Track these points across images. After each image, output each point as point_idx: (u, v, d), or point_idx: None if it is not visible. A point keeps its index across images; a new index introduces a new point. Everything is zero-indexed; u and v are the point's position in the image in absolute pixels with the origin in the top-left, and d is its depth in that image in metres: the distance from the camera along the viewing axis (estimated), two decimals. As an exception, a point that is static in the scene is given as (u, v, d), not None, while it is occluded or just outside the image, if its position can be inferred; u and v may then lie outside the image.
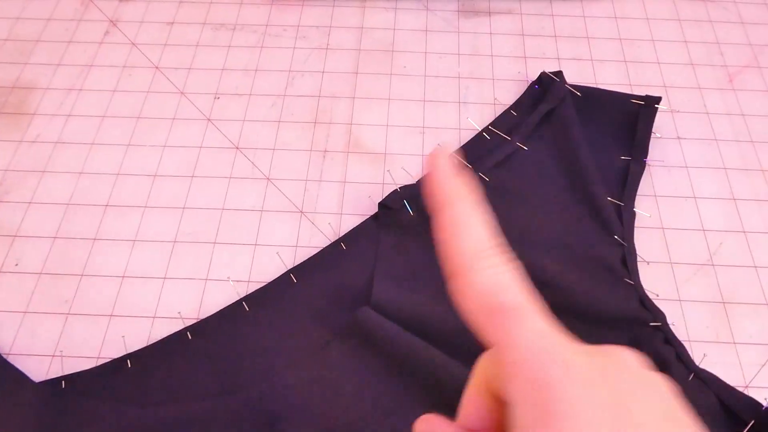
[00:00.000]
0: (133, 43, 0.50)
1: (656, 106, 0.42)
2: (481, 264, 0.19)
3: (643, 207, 0.40)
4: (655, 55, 0.48)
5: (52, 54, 0.49)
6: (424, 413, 0.32)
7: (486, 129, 0.43)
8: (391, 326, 0.34)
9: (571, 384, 0.16)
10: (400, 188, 0.39)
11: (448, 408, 0.32)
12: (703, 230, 0.40)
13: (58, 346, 0.36)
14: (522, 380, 0.16)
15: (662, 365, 0.33)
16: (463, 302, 0.19)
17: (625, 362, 0.17)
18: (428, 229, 0.36)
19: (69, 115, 0.45)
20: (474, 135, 0.43)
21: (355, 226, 0.39)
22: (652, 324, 0.34)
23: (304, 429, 0.33)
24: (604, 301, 0.35)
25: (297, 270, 0.38)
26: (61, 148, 0.44)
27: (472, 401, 0.20)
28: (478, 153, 0.42)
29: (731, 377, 0.34)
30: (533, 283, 0.35)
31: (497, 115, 0.44)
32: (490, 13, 0.51)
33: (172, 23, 0.51)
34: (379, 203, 0.39)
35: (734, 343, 0.36)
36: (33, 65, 0.48)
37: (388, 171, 0.42)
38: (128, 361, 0.35)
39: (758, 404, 0.32)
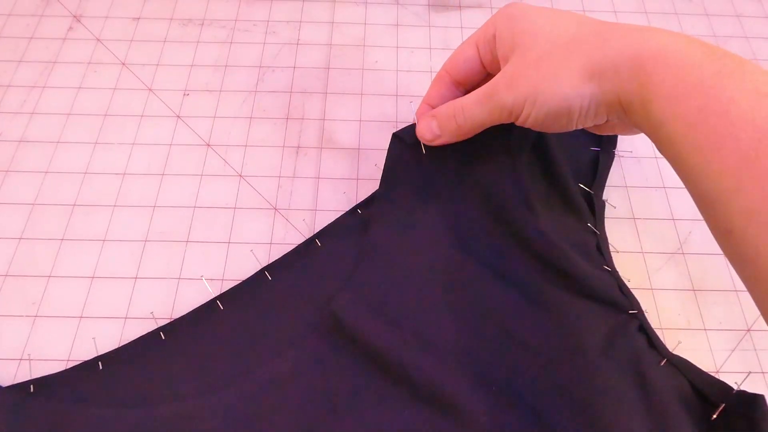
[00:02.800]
0: (98, 39, 0.48)
1: (625, 98, 0.42)
2: None
3: (614, 197, 0.41)
4: (623, 48, 0.49)
5: (13, 50, 0.48)
6: (397, 405, 0.32)
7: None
8: (366, 322, 0.34)
9: (522, 7, 0.32)
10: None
11: (419, 400, 0.32)
12: (673, 219, 0.40)
13: (26, 349, 0.35)
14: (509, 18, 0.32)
15: (637, 352, 0.34)
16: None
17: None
18: (434, 183, 0.37)
19: (32, 113, 0.44)
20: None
21: (330, 222, 0.39)
22: (630, 312, 0.35)
23: (282, 427, 0.32)
24: (591, 282, 0.35)
25: (271, 267, 0.37)
26: (25, 146, 0.43)
27: (437, 85, 0.36)
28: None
29: (703, 363, 0.34)
30: (531, 253, 0.34)
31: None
32: (460, 7, 0.51)
33: (139, 18, 0.50)
34: (394, 133, 0.38)
35: (705, 329, 0.36)
36: (-7, 62, 0.47)
37: (376, 165, 0.42)
38: (99, 363, 0.34)
39: (729, 388, 0.32)
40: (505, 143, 0.37)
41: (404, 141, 0.37)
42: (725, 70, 0.24)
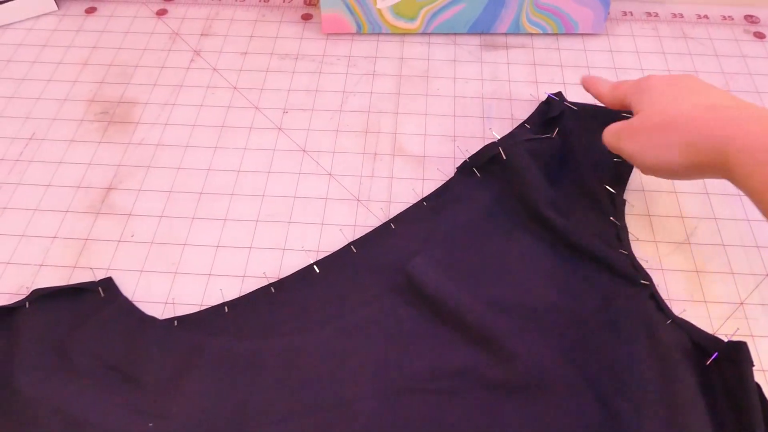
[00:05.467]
0: (214, 69, 0.61)
1: (643, 119, 0.52)
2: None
3: (633, 198, 0.50)
4: (644, 81, 0.58)
5: (149, 76, 0.60)
6: (455, 346, 0.41)
7: (505, 137, 0.53)
8: (433, 280, 0.44)
9: (653, 81, 0.42)
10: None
11: (473, 343, 0.41)
12: (682, 217, 0.49)
13: (169, 295, 0.45)
14: (639, 89, 0.43)
15: (647, 313, 0.42)
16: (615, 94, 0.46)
17: (685, 76, 0.42)
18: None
19: (166, 124, 0.56)
20: (489, 143, 0.53)
21: (401, 211, 0.49)
22: (642, 282, 0.44)
23: (365, 361, 0.42)
24: (610, 260, 0.44)
25: (356, 242, 0.47)
26: (162, 149, 0.54)
27: (610, 94, 0.47)
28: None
29: (702, 326, 0.43)
30: (560, 241, 0.44)
31: (514, 127, 0.54)
32: (507, 47, 0.62)
33: (246, 53, 0.62)
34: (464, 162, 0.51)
35: (705, 302, 0.45)
36: (134, 85, 0.59)
37: (438, 169, 0.52)
38: (225, 307, 0.44)
39: (721, 341, 0.41)
40: (539, 168, 0.49)
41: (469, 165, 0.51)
42: None
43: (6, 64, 0.62)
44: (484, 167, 0.50)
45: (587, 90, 0.49)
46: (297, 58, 0.61)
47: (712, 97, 0.39)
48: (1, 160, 0.54)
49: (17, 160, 0.54)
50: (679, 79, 0.42)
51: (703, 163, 0.37)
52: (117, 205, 0.50)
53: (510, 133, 0.53)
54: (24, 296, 0.44)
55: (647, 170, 0.41)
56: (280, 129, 0.55)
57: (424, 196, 0.50)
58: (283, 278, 0.46)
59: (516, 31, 0.62)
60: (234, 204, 0.50)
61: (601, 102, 0.48)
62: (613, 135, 0.43)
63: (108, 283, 0.46)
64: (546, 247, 0.46)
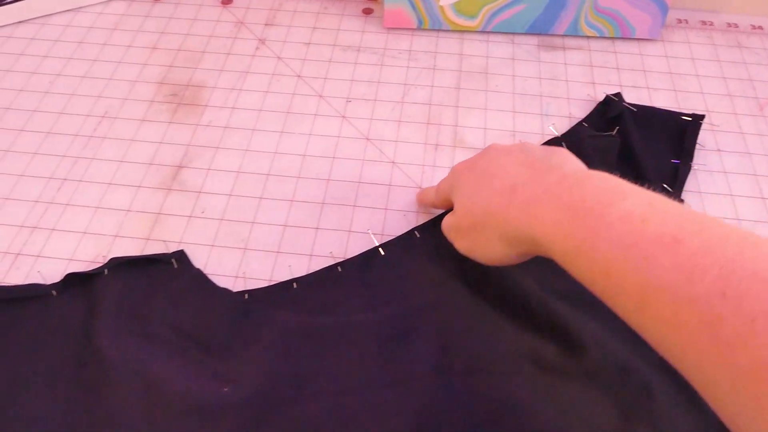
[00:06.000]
0: (279, 57, 0.62)
1: (700, 122, 0.53)
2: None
3: (690, 199, 0.51)
4: (699, 86, 0.60)
5: (216, 62, 0.62)
6: (521, 330, 0.42)
7: (565, 134, 0.54)
8: (498, 270, 0.45)
9: (457, 172, 0.43)
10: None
11: (540, 330, 0.42)
12: (738, 220, 0.50)
13: (239, 269, 0.47)
14: (450, 184, 0.44)
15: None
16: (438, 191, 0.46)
17: (488, 150, 0.42)
18: None
19: (233, 108, 0.58)
20: (550, 137, 0.55)
21: (462, 200, 0.51)
22: None
23: (425, 342, 0.43)
24: None
25: (419, 228, 0.49)
26: (229, 131, 0.56)
27: (437, 199, 0.47)
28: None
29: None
30: None
31: (573, 125, 0.56)
32: (564, 48, 0.63)
33: (309, 44, 0.64)
34: None
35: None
36: (202, 69, 0.61)
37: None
38: (294, 283, 0.46)
39: None
40: (600, 163, 0.48)
41: None
42: (587, 236, 0.31)
43: (78, 45, 0.64)
44: None
45: (422, 204, 0.51)
46: (359, 51, 0.63)
47: (508, 174, 0.38)
48: (76, 135, 0.56)
49: (91, 136, 0.56)
50: (478, 160, 0.42)
51: (528, 251, 0.37)
52: (188, 183, 0.52)
53: (570, 130, 0.55)
54: (102, 264, 0.46)
55: (489, 264, 0.41)
56: (343, 117, 0.57)
57: (485, 187, 0.51)
58: (349, 258, 0.47)
59: (573, 33, 0.64)
60: (300, 186, 0.52)
61: (435, 208, 0.49)
62: (447, 233, 0.44)
63: (181, 255, 0.47)
64: None
